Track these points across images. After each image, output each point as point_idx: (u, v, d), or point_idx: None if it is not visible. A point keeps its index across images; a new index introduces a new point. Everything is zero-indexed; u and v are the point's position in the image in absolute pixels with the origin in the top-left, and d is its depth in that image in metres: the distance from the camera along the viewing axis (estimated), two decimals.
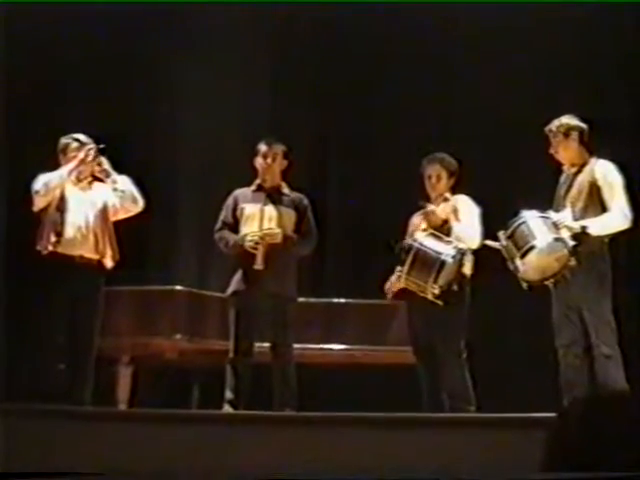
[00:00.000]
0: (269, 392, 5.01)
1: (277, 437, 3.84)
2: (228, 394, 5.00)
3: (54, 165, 5.13)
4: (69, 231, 4.96)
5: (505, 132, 7.25)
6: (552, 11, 6.93)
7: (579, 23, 6.97)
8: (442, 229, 5.02)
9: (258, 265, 4.97)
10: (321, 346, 6.52)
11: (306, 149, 7.58)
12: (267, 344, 5.11)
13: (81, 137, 5.14)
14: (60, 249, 4.90)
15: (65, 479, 3.31)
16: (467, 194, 5.19)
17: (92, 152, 5.04)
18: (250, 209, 5.15)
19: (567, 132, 4.84)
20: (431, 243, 4.90)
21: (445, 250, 4.85)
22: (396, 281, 5.02)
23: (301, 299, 5.40)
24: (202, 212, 7.00)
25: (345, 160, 7.85)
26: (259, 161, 5.23)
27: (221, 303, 5.67)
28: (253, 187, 5.25)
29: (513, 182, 6.88)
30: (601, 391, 4.40)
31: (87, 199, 5.09)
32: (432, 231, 4.98)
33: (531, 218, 4.64)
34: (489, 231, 4.95)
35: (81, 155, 5.03)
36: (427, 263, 4.83)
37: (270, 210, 5.12)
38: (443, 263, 4.81)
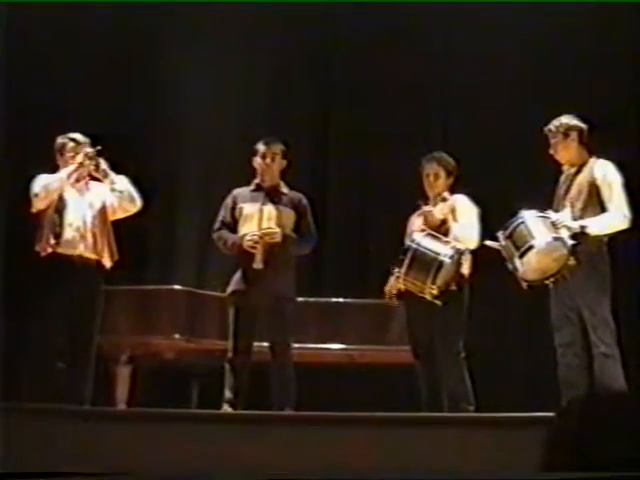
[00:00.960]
0: (268, 391, 5.01)
1: (276, 437, 3.84)
2: (227, 393, 5.00)
3: (53, 165, 5.12)
4: (68, 232, 4.95)
5: (504, 132, 7.25)
6: (552, 11, 6.94)
7: (579, 23, 6.98)
8: (440, 229, 5.02)
9: (257, 264, 4.97)
10: (320, 346, 6.52)
11: (306, 149, 7.59)
12: (266, 344, 5.11)
13: (78, 137, 5.13)
14: (59, 250, 4.90)
15: (65, 479, 3.31)
16: (466, 194, 5.19)
17: (90, 154, 5.03)
18: (249, 209, 5.15)
19: (566, 132, 4.84)
20: (429, 243, 4.90)
21: (443, 250, 4.85)
22: (396, 282, 5.02)
23: (300, 299, 5.40)
24: (201, 212, 7.01)
25: (345, 160, 7.86)
26: (258, 161, 5.23)
27: (220, 303, 5.67)
28: (252, 187, 5.25)
29: (512, 182, 6.89)
30: (600, 390, 4.40)
31: (85, 200, 5.09)
32: (430, 231, 4.98)
33: (530, 218, 4.64)
34: (488, 231, 4.95)
35: (79, 159, 5.02)
36: (425, 264, 4.83)
37: (269, 210, 5.12)
38: (441, 263, 4.80)
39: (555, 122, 4.88)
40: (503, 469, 3.50)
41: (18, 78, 6.28)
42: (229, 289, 5.14)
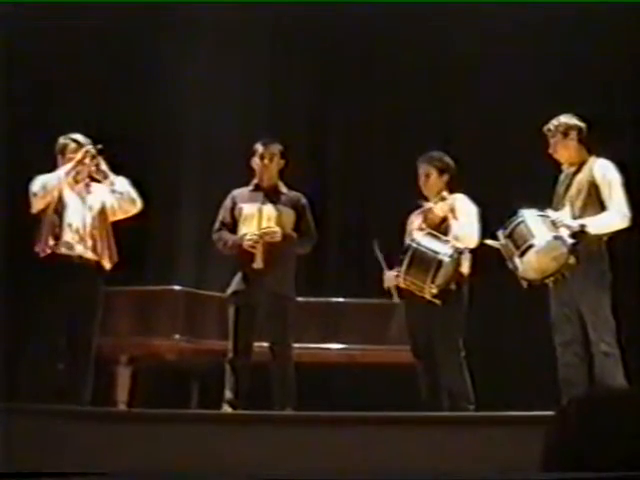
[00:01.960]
0: (268, 392, 5.02)
1: (276, 437, 3.84)
2: (227, 394, 5.00)
3: (53, 166, 5.12)
4: (67, 233, 4.95)
5: (504, 131, 7.26)
6: (552, 11, 6.94)
7: (579, 23, 6.98)
8: (440, 228, 5.02)
9: (257, 264, 4.97)
10: (320, 345, 6.52)
11: (305, 148, 7.59)
12: (266, 344, 5.12)
13: (79, 137, 5.13)
14: (58, 251, 4.90)
15: (65, 479, 3.31)
16: (465, 193, 5.19)
17: (90, 153, 5.03)
18: (248, 209, 5.15)
19: (566, 131, 4.84)
20: (429, 242, 4.90)
21: (442, 249, 4.85)
22: (392, 278, 5.01)
23: (300, 298, 5.41)
24: (200, 212, 7.01)
25: (344, 159, 7.86)
26: (256, 161, 5.23)
27: (220, 303, 5.67)
28: (251, 187, 5.26)
29: (511, 181, 6.89)
30: (600, 389, 4.39)
31: (85, 201, 5.09)
32: (430, 230, 4.98)
33: (530, 217, 4.64)
34: (487, 230, 4.95)
35: (79, 156, 5.03)
36: (424, 263, 4.84)
37: (268, 209, 5.13)
38: (440, 262, 4.81)
39: (554, 121, 4.88)
40: (503, 468, 3.50)
41: (18, 79, 6.28)
42: (229, 289, 5.14)
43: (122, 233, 5.22)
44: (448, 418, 4.48)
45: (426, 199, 5.19)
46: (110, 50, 7.34)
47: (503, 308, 6.81)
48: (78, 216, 5.00)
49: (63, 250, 4.91)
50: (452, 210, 5.08)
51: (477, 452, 3.67)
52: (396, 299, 5.09)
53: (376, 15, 7.35)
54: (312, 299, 6.54)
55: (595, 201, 4.70)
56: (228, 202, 5.26)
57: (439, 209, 5.07)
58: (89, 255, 4.98)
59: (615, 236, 4.73)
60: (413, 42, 7.45)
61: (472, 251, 5.03)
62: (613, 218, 4.67)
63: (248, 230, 5.07)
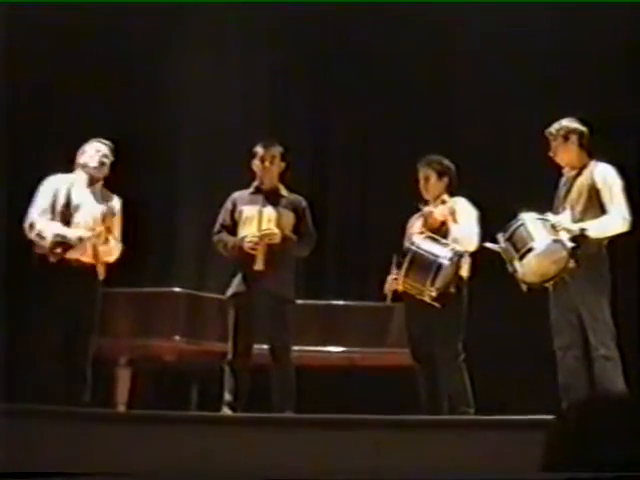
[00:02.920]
0: (268, 394, 5.01)
1: (276, 439, 3.84)
2: (227, 396, 5.00)
3: (54, 167, 5.11)
4: (74, 235, 4.95)
5: (504, 134, 7.26)
6: (553, 12, 6.95)
7: (579, 25, 6.98)
8: (440, 231, 5.02)
9: (258, 266, 4.97)
10: (320, 348, 6.52)
11: (305, 150, 7.60)
12: (266, 346, 5.12)
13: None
14: (66, 256, 4.90)
15: (65, 479, 3.31)
16: (465, 196, 5.19)
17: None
18: (248, 211, 5.16)
19: (567, 135, 4.85)
20: (428, 246, 4.90)
21: (442, 253, 4.85)
22: (393, 283, 5.02)
23: (300, 301, 5.41)
24: (201, 214, 7.01)
25: (344, 162, 7.86)
26: (257, 164, 5.24)
27: (220, 305, 5.68)
28: (251, 189, 5.26)
29: (511, 184, 6.89)
30: (600, 393, 4.40)
31: (94, 203, 5.08)
32: (429, 234, 4.99)
33: (530, 220, 4.64)
34: (487, 233, 4.96)
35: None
36: (424, 266, 4.83)
37: (268, 212, 5.13)
38: (440, 266, 4.80)
39: (556, 125, 4.89)
40: (502, 472, 3.50)
41: (18, 79, 6.29)
42: (229, 291, 5.14)
43: (123, 234, 5.21)
44: (447, 421, 4.48)
45: (426, 202, 5.19)
46: (110, 51, 7.34)
47: (503, 311, 6.81)
48: (87, 218, 4.99)
49: (69, 253, 4.90)
50: (452, 213, 5.08)
51: (476, 455, 3.67)
52: (388, 302, 5.09)
53: (377, 16, 7.36)
54: (312, 301, 6.55)
55: (595, 205, 4.70)
56: (228, 204, 5.26)
57: (439, 212, 5.08)
58: (89, 258, 4.97)
59: (615, 240, 4.73)
60: (414, 44, 7.45)
61: (472, 254, 5.03)
62: (613, 222, 4.67)
63: (248, 232, 5.07)
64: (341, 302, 6.76)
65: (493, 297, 6.41)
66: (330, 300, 6.82)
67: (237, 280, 5.11)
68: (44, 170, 5.11)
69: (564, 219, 4.69)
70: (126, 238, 5.23)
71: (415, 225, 5.18)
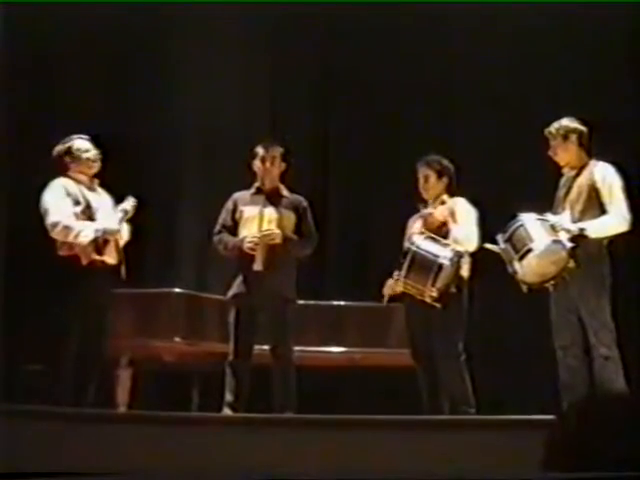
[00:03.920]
0: (269, 394, 5.02)
1: (277, 439, 3.84)
2: (228, 396, 5.00)
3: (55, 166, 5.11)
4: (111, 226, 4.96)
5: (504, 134, 7.26)
6: (553, 12, 6.94)
7: (579, 24, 6.98)
8: (440, 232, 5.02)
9: (258, 266, 4.97)
10: (321, 348, 6.52)
11: (306, 150, 7.59)
12: (267, 346, 5.12)
13: (82, 139, 5.13)
14: (95, 257, 4.90)
15: (65, 479, 3.31)
16: (465, 196, 5.19)
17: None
18: (249, 212, 5.16)
19: (566, 134, 4.85)
20: (428, 246, 4.90)
21: (442, 253, 4.85)
22: (394, 285, 5.02)
23: (301, 301, 5.41)
24: (201, 215, 7.01)
25: (345, 161, 7.86)
26: (257, 164, 5.24)
27: (220, 305, 5.68)
28: (252, 190, 5.26)
29: (511, 184, 6.89)
30: (600, 392, 4.40)
31: (104, 201, 5.09)
32: (429, 234, 4.99)
33: (529, 221, 4.64)
34: (487, 234, 4.96)
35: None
36: (425, 266, 4.83)
37: (269, 212, 5.13)
38: (440, 266, 4.80)
39: (555, 124, 4.89)
40: (503, 472, 3.50)
41: (18, 78, 6.29)
42: (230, 292, 5.15)
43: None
44: (448, 421, 4.48)
45: (425, 202, 5.19)
46: (110, 51, 7.34)
47: (503, 311, 6.81)
48: (107, 221, 4.99)
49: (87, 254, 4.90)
50: (452, 213, 5.08)
51: (477, 455, 3.67)
52: (385, 303, 5.10)
53: (378, 15, 7.35)
54: (313, 302, 6.55)
55: (595, 204, 4.70)
56: (229, 204, 5.26)
57: (439, 213, 5.08)
58: (111, 259, 4.98)
59: (616, 239, 4.73)
60: (414, 43, 7.45)
61: (472, 254, 5.03)
62: (613, 221, 4.66)
63: (249, 233, 5.08)
64: (342, 302, 6.76)
65: (493, 297, 6.41)
66: (331, 300, 6.82)
67: (238, 281, 5.11)
68: (45, 171, 5.09)
69: (564, 219, 4.68)
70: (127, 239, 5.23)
71: (415, 225, 5.18)
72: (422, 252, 4.87)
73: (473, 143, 7.21)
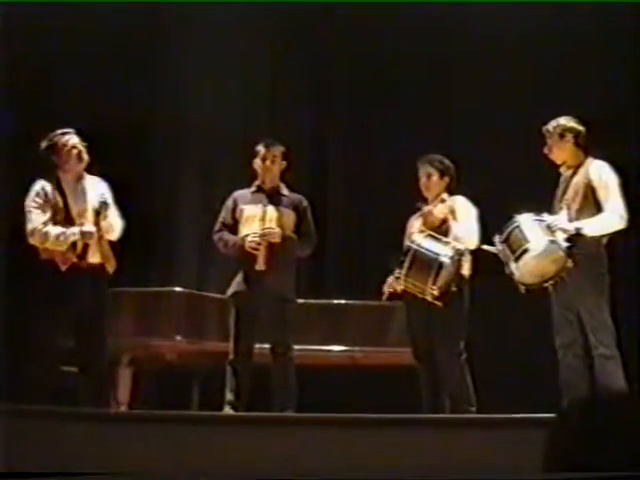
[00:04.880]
0: (269, 393, 5.02)
1: (277, 438, 3.84)
2: (228, 395, 5.00)
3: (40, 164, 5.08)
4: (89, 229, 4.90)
5: (504, 133, 7.25)
6: (552, 12, 6.94)
7: (578, 24, 6.98)
8: (440, 230, 5.02)
9: (260, 266, 4.97)
10: (321, 347, 6.52)
11: (306, 149, 7.60)
12: (267, 345, 5.12)
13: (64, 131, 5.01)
14: (76, 261, 4.88)
15: (65, 479, 3.31)
16: (465, 195, 5.19)
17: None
18: (250, 210, 5.16)
19: (562, 133, 4.85)
20: (429, 244, 4.90)
21: (443, 251, 4.85)
22: (394, 283, 5.02)
23: (301, 300, 5.41)
24: (202, 213, 7.01)
25: (345, 160, 7.86)
26: (258, 163, 5.24)
27: (221, 304, 5.68)
28: (252, 188, 5.26)
29: (511, 183, 6.88)
30: (600, 391, 4.40)
31: (87, 197, 5.04)
32: (430, 232, 4.99)
33: (525, 222, 4.65)
34: (487, 232, 4.95)
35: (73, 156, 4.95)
36: (425, 265, 4.83)
37: (270, 211, 5.13)
38: (441, 264, 4.80)
39: (553, 123, 4.89)
40: (504, 470, 3.50)
41: (17, 77, 6.28)
42: (230, 290, 5.15)
43: (123, 234, 5.20)
44: (449, 420, 4.48)
45: (425, 201, 5.19)
46: (110, 50, 7.34)
47: (504, 310, 6.81)
48: (85, 223, 4.95)
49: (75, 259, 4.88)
50: (452, 212, 5.08)
51: (478, 454, 3.67)
52: (384, 300, 5.10)
53: (377, 16, 7.35)
54: (313, 301, 6.55)
55: (592, 203, 4.69)
56: (230, 203, 5.26)
57: (439, 211, 5.08)
58: (96, 259, 4.95)
59: (614, 238, 4.73)
60: (414, 42, 7.45)
61: (472, 252, 5.03)
62: (609, 219, 4.66)
63: (249, 231, 5.07)
64: (342, 301, 6.76)
65: (494, 295, 6.41)
66: (331, 299, 6.82)
67: (238, 279, 5.11)
68: (48, 172, 5.07)
69: (560, 219, 4.68)
70: (127, 238, 5.22)
71: (415, 224, 5.18)
72: (423, 250, 4.87)
73: (473, 141, 7.21)
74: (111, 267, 4.99)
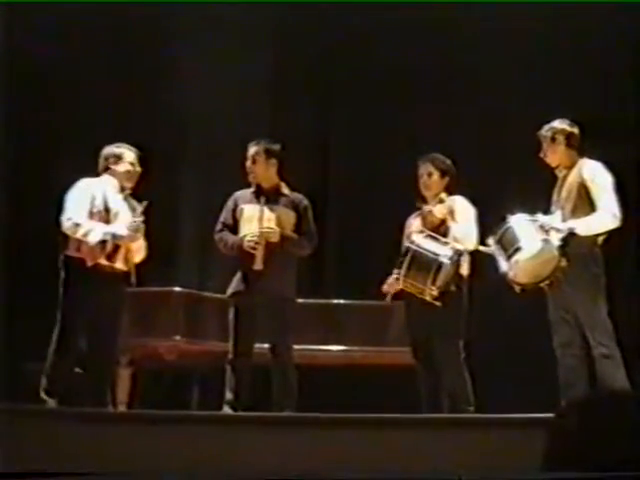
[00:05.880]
0: (268, 393, 5.02)
1: (276, 438, 3.85)
2: (228, 395, 5.00)
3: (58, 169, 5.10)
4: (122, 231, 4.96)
5: (502, 133, 7.26)
6: (551, 13, 6.95)
7: (577, 25, 6.98)
8: (439, 230, 5.02)
9: (257, 265, 4.97)
10: (320, 347, 6.52)
11: (306, 149, 7.59)
12: (266, 345, 5.12)
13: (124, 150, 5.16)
14: (104, 261, 4.90)
15: (65, 479, 3.31)
16: (463, 195, 5.19)
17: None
18: (249, 210, 5.16)
19: (554, 136, 4.86)
20: (428, 244, 4.90)
21: (442, 251, 4.86)
22: (394, 283, 5.02)
23: (300, 300, 5.41)
24: (202, 213, 7.01)
25: (345, 161, 7.86)
26: (246, 164, 5.25)
27: (220, 304, 5.67)
28: (253, 188, 5.26)
29: (509, 183, 6.89)
30: (600, 391, 4.40)
31: (127, 211, 5.09)
32: (429, 232, 4.99)
33: (517, 222, 4.66)
34: (485, 232, 4.96)
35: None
36: (424, 265, 4.84)
37: (269, 210, 5.13)
38: (440, 265, 4.81)
39: (546, 127, 4.92)
40: (503, 470, 3.50)
41: (18, 77, 6.28)
42: (229, 290, 5.15)
43: None
44: (448, 420, 4.48)
45: (424, 200, 5.19)
46: (110, 51, 7.34)
47: (503, 309, 6.81)
48: (121, 226, 4.99)
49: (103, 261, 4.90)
50: (451, 212, 5.08)
51: (477, 453, 3.67)
52: (388, 300, 5.10)
53: (377, 16, 7.35)
54: (312, 300, 6.55)
55: (585, 203, 4.69)
56: (230, 203, 5.26)
57: (438, 211, 5.08)
58: (121, 265, 4.98)
59: (609, 237, 4.73)
60: (413, 43, 7.45)
61: (471, 253, 5.03)
62: (602, 219, 4.65)
63: (248, 231, 5.08)
64: (342, 301, 6.77)
65: (493, 295, 6.41)
66: (330, 299, 6.82)
67: (237, 279, 5.11)
68: (49, 172, 5.08)
69: (554, 219, 4.69)
70: None
71: (414, 224, 5.18)
72: (422, 251, 4.87)
73: (472, 142, 7.21)
74: (132, 279, 5.05)
